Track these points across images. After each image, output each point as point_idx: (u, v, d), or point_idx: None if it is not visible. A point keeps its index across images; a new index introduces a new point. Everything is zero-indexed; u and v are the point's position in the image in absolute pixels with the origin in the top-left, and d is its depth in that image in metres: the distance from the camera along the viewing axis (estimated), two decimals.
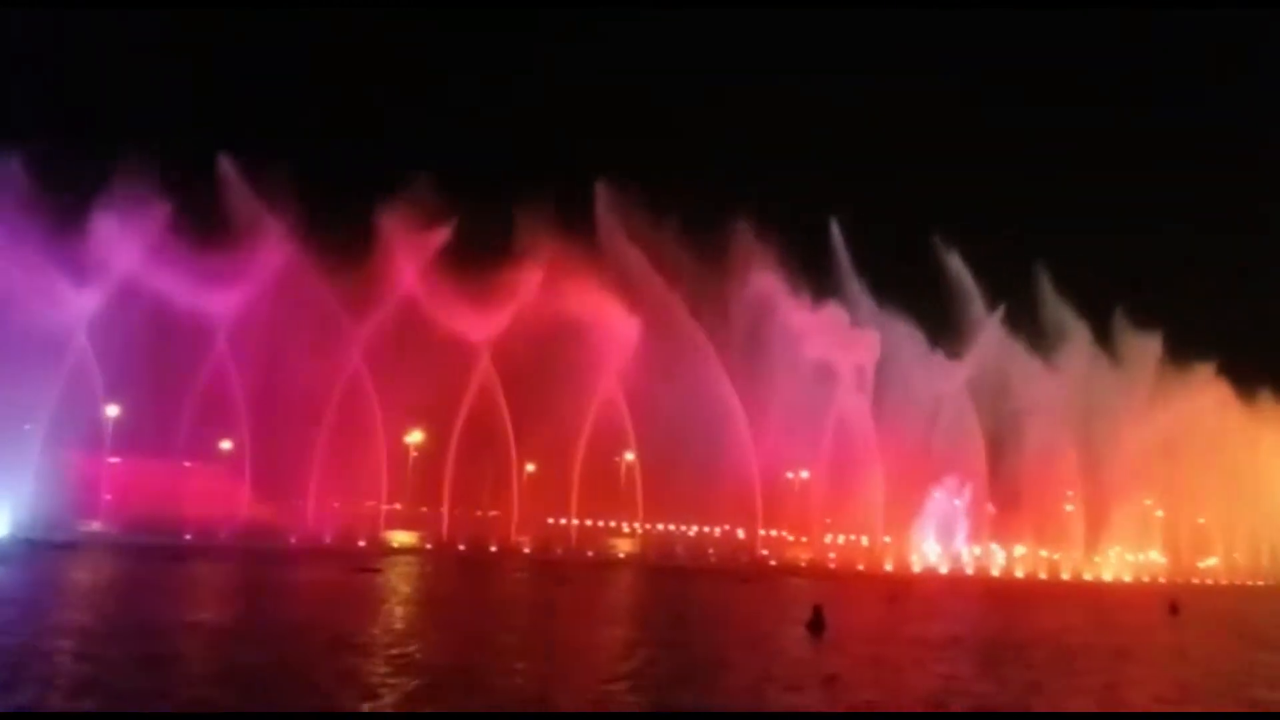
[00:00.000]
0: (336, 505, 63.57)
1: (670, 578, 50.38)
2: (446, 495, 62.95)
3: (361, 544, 59.13)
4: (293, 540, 57.99)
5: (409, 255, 61.34)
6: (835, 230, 70.07)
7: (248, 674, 15.99)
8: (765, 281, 67.62)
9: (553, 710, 14.63)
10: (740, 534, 71.83)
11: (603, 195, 64.87)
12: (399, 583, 38.61)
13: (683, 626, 28.19)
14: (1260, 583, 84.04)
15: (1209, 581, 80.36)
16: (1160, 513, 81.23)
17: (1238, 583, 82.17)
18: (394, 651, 18.74)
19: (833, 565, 67.65)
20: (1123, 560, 78.43)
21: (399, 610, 28.05)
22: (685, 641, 24.32)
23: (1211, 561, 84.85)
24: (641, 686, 16.77)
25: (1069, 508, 76.48)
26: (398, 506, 65.77)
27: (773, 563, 66.67)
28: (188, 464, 62.14)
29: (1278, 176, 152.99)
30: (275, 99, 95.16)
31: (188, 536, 55.36)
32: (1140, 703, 17.55)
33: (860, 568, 67.77)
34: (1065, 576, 73.46)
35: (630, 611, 33.32)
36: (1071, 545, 76.56)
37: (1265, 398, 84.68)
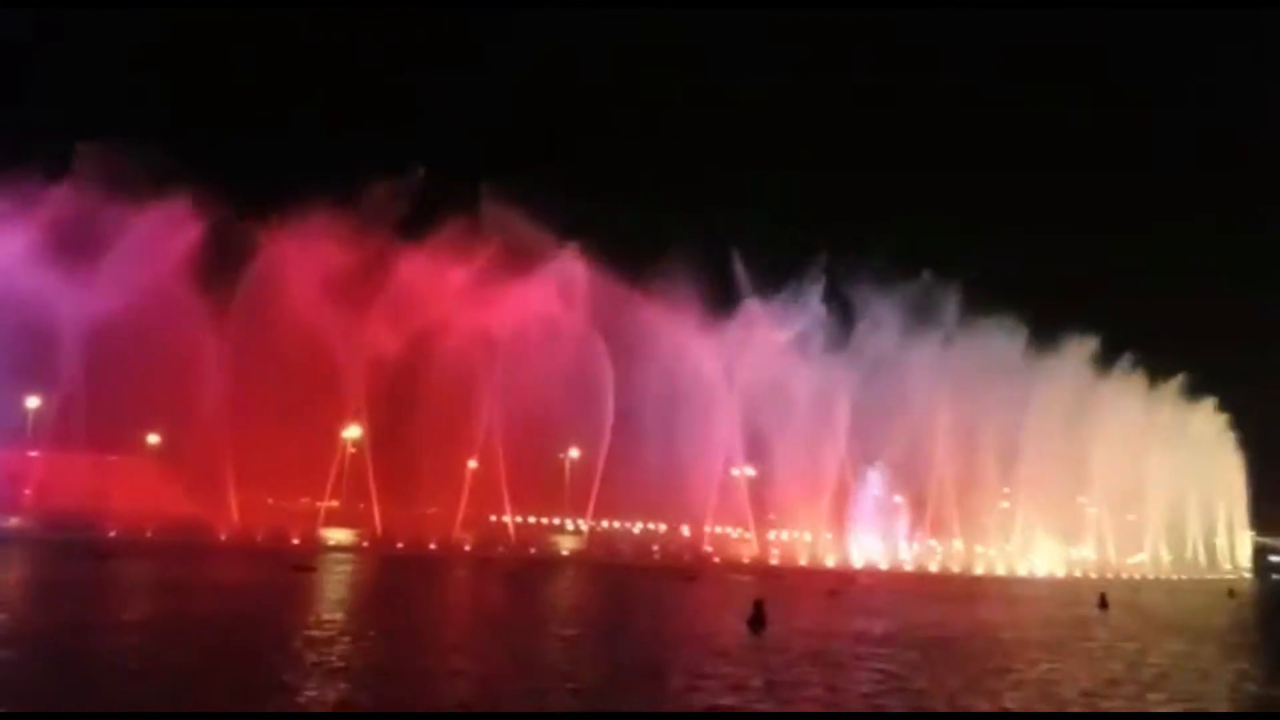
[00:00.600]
0: (270, 501, 61.89)
1: (614, 575, 50.12)
2: (376, 491, 61.44)
3: (295, 542, 57.59)
4: (223, 537, 56.26)
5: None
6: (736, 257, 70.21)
7: (165, 675, 15.32)
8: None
9: (498, 711, 14.23)
10: (685, 530, 71.92)
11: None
12: (334, 582, 37.64)
13: (624, 624, 27.94)
14: (1184, 577, 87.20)
15: (1137, 576, 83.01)
16: (1092, 510, 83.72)
17: (1164, 577, 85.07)
18: (322, 654, 18.07)
19: (775, 561, 68.12)
20: (1055, 556, 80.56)
21: (332, 610, 27.24)
22: (626, 639, 24.08)
23: (1140, 557, 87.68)
24: (580, 686, 16.48)
25: (1004, 504, 78.35)
26: (334, 503, 64.29)
27: (716, 559, 66.87)
28: (112, 458, 60.06)
29: (1209, 174, 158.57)
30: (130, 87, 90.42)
31: (112, 533, 53.29)
32: (1070, 697, 17.76)
33: (802, 563, 68.38)
34: (1000, 572, 75.13)
35: (572, 609, 32.97)
36: (1007, 541, 78.40)
37: (1193, 399, 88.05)
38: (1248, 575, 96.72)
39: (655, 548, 69.57)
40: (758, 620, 27.12)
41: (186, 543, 50.38)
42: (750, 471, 71.32)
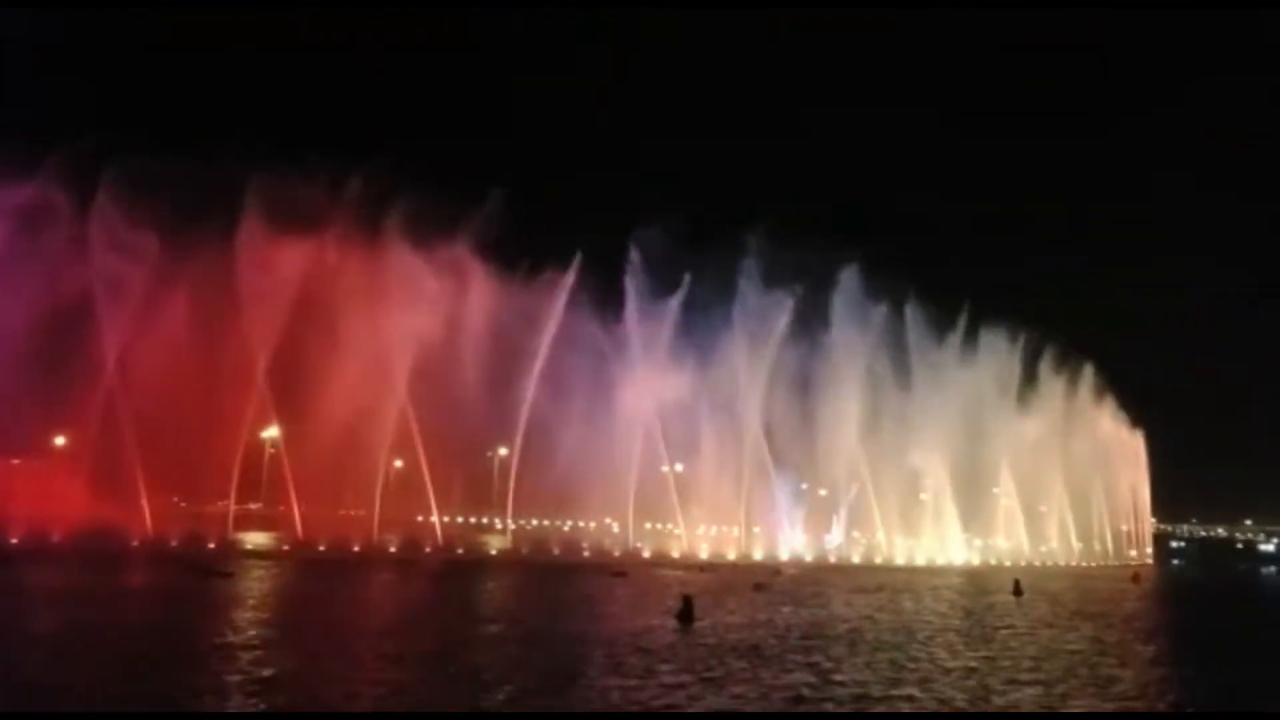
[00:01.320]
0: (183, 504, 59.62)
1: (543, 573, 49.84)
2: (296, 493, 59.70)
3: (211, 546, 55.65)
4: (135, 543, 53.98)
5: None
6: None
7: (75, 692, 14.63)
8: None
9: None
10: (615, 527, 71.93)
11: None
12: (251, 587, 36.43)
13: (553, 622, 27.80)
14: (1092, 564, 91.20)
15: (1048, 564, 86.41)
16: (1006, 501, 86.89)
17: (1073, 564, 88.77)
18: (238, 665, 17.44)
19: (705, 555, 68.73)
20: (972, 545, 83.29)
21: (246, 616, 26.30)
22: (553, 638, 23.96)
23: (1050, 546, 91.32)
24: (508, 689, 16.30)
25: (924, 496, 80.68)
26: (254, 506, 62.26)
27: (646, 555, 67.14)
28: (16, 461, 57.14)
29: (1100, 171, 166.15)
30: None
31: (14, 540, 50.65)
32: (997, 685, 18.23)
33: (731, 557, 69.15)
34: (920, 562, 77.29)
35: (499, 609, 32.65)
36: (927, 532, 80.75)
37: (1100, 395, 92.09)
38: (1150, 561, 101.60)
39: (584, 545, 69.50)
40: (686, 615, 27.38)
41: (96, 548, 48.14)
42: (679, 468, 71.80)
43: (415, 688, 16.44)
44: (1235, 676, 21.81)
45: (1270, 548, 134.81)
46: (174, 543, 55.02)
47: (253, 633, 22.36)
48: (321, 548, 58.36)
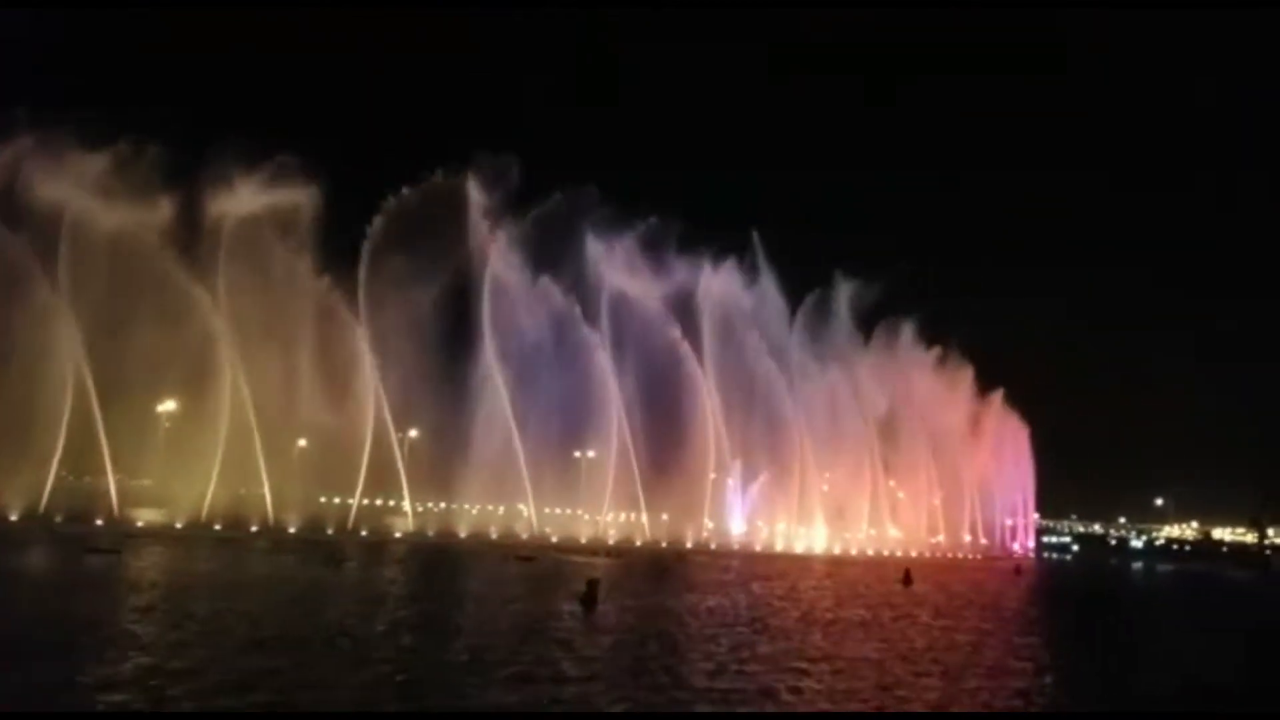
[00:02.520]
0: (69, 478, 56.85)
1: (449, 556, 49.56)
2: (197, 470, 57.71)
3: (99, 523, 53.33)
4: (13, 518, 51.33)
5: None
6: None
7: None
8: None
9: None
10: (524, 511, 71.83)
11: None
12: (138, 566, 35.16)
13: (454, 607, 27.83)
14: (979, 556, 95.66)
15: (937, 555, 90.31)
16: (901, 494, 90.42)
17: (962, 556, 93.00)
18: (107, 654, 16.83)
19: (612, 541, 69.37)
20: (868, 535, 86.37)
21: (129, 599, 25.22)
22: (453, 623, 24.01)
23: (939, 538, 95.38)
24: (407, 678, 16.29)
25: (824, 488, 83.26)
26: (147, 482, 59.79)
27: (554, 539, 67.34)
28: None
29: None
30: None
31: None
32: (905, 676, 18.92)
33: (638, 543, 69.98)
34: (818, 550, 79.77)
35: (402, 592, 32.41)
36: (826, 523, 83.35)
37: (988, 395, 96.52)
38: (1031, 555, 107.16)
39: (492, 528, 69.26)
40: (590, 599, 27.82)
41: None
42: (590, 454, 72.17)
43: (306, 676, 16.15)
44: (1106, 665, 23.38)
45: (1139, 544, 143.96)
46: (59, 518, 52.52)
47: (127, 616, 21.63)
48: (217, 527, 56.61)
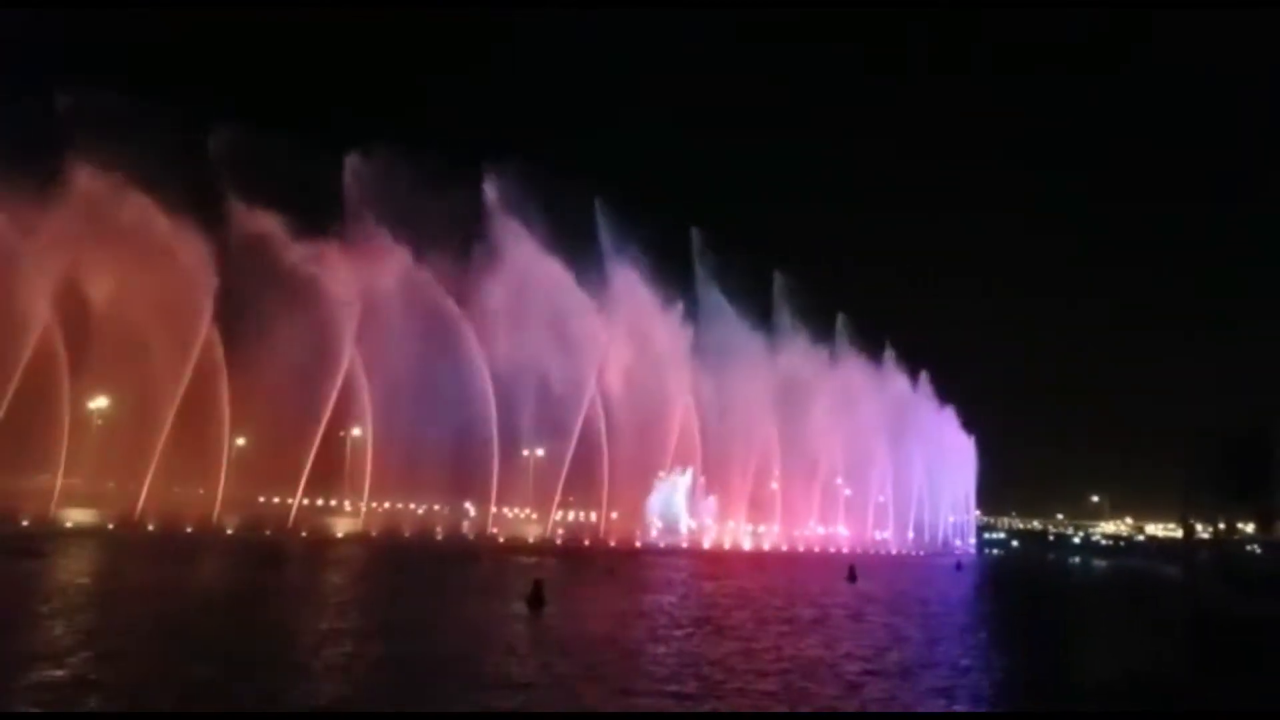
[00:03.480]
0: None
1: (393, 557, 48.67)
2: (127, 469, 55.83)
3: (25, 523, 51.25)
4: None
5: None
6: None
7: None
8: (521, 255, 67.32)
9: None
10: (470, 510, 71.06)
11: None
12: (65, 568, 33.82)
13: (397, 608, 27.26)
14: (922, 552, 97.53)
15: (882, 552, 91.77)
16: (848, 492, 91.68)
17: (906, 552, 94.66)
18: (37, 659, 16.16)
19: (560, 541, 68.97)
20: (814, 533, 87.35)
21: (50, 604, 24.08)
22: (395, 625, 23.49)
23: (885, 534, 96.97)
24: (340, 688, 15.87)
25: (774, 485, 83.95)
26: (77, 481, 57.65)
27: (501, 539, 66.68)
28: None
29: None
30: None
31: None
32: (855, 674, 18.78)
33: (586, 543, 69.67)
34: (766, 547, 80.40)
35: (342, 594, 31.67)
36: (773, 519, 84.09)
37: (935, 394, 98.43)
38: (972, 550, 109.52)
39: (438, 528, 68.32)
40: (536, 600, 27.45)
41: None
42: (539, 453, 71.63)
43: (233, 685, 15.65)
44: (1052, 657, 23.86)
45: (1077, 540, 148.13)
46: None
47: (49, 623, 20.71)
48: (150, 527, 54.83)
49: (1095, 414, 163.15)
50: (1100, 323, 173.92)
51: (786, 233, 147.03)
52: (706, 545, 77.37)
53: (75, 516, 54.73)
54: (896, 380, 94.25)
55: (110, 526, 54.17)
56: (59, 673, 15.23)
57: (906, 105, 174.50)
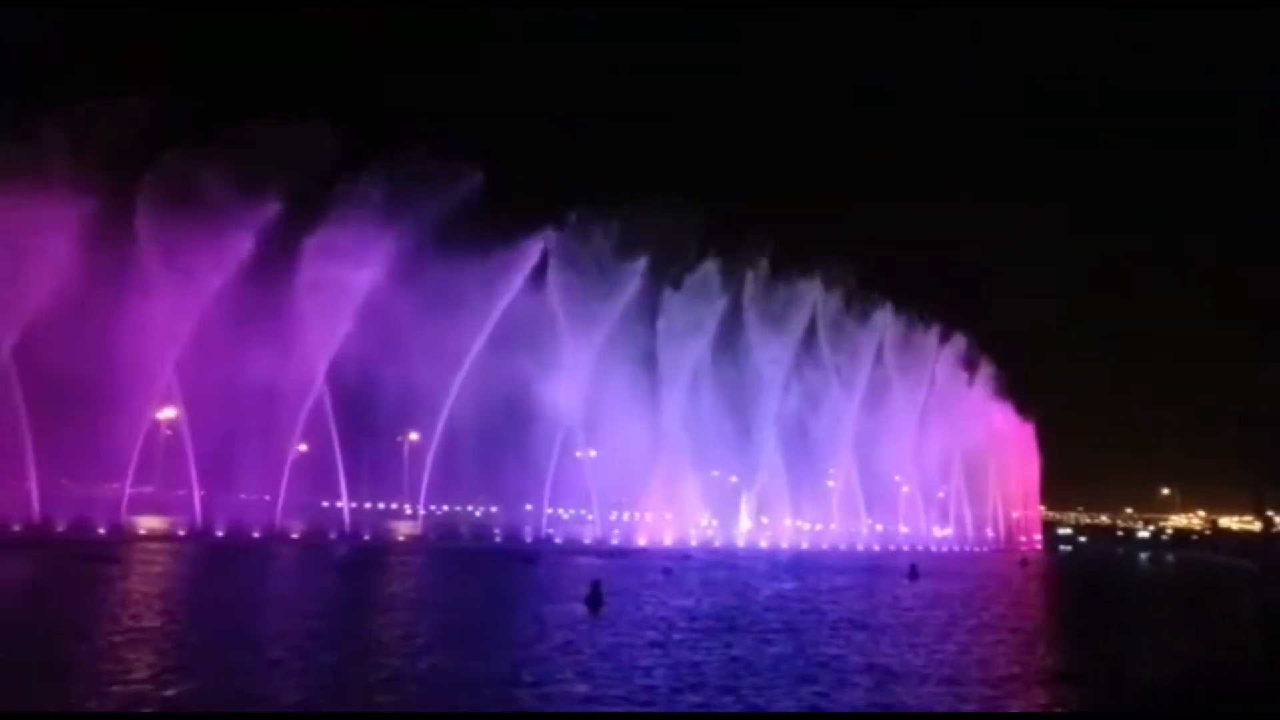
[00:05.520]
0: (71, 486, 56.58)
1: (453, 560, 49.28)
2: (196, 476, 57.43)
3: (100, 531, 53.10)
4: (16, 528, 51.06)
5: None
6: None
7: None
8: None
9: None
10: (529, 509, 71.55)
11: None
12: (137, 574, 34.91)
13: (461, 611, 27.58)
14: (985, 549, 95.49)
15: (944, 549, 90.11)
16: (906, 488, 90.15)
17: (968, 549, 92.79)
18: (114, 664, 16.38)
19: (615, 541, 69.12)
20: (873, 530, 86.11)
21: (126, 609, 24.59)
22: (461, 627, 23.79)
23: (947, 531, 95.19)
24: (410, 692, 16.03)
25: (830, 484, 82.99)
26: (148, 489, 59.53)
27: (558, 541, 67.09)
28: None
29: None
30: None
31: None
32: (897, 682, 18.53)
33: (641, 543, 69.71)
34: (824, 546, 79.46)
35: (407, 598, 32.15)
36: (831, 517, 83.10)
37: (993, 387, 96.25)
38: (1038, 547, 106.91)
39: (496, 530, 69.02)
40: (595, 600, 27.53)
41: None
42: (592, 453, 71.90)
43: (315, 683, 15.90)
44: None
45: (1146, 534, 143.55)
46: (60, 527, 52.30)
47: (123, 626, 21.19)
48: (219, 533, 56.39)
49: (1165, 405, 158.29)
50: (1170, 314, 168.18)
51: (831, 222, 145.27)
52: (763, 545, 76.85)
53: (147, 523, 56.51)
54: (957, 374, 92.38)
55: (180, 533, 55.81)
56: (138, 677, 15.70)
57: (971, 96, 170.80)
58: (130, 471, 56.08)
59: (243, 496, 59.94)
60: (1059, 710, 16.67)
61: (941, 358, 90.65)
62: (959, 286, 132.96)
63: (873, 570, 53.84)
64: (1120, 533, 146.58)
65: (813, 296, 79.67)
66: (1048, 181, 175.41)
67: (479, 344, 63.45)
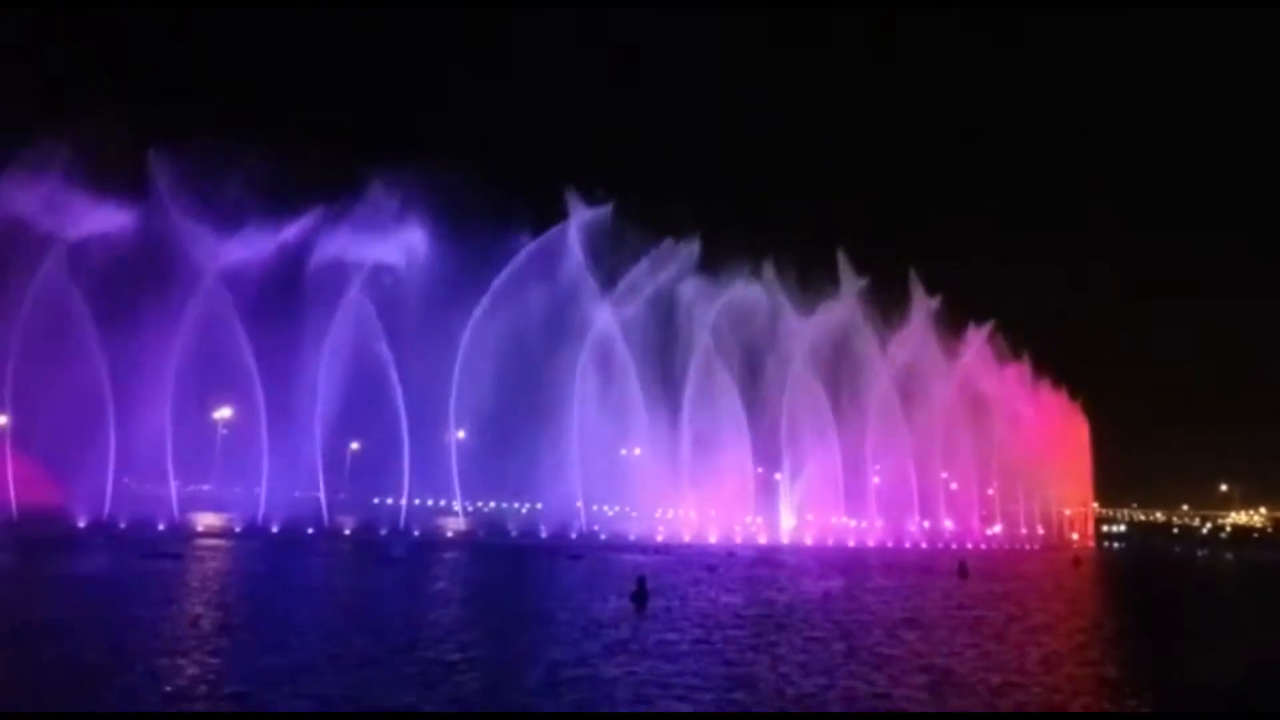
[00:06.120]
0: (132, 485, 58.51)
1: (500, 555, 49.94)
2: (250, 474, 58.98)
3: (161, 527, 54.80)
4: (81, 524, 52.94)
5: None
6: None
7: None
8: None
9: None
10: (580, 505, 72.17)
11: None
12: (197, 569, 36.00)
13: (508, 605, 28.02)
14: (1036, 547, 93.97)
15: (993, 547, 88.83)
16: (954, 485, 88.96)
17: (1018, 547, 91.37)
18: (182, 662, 16.67)
19: (660, 538, 69.39)
20: (920, 527, 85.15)
21: (185, 606, 24.98)
22: (508, 620, 24.18)
23: (996, 529, 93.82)
24: (456, 688, 16.40)
25: (875, 480, 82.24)
26: (206, 487, 61.31)
27: (603, 537, 67.56)
28: None
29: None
30: None
31: None
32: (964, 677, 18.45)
33: (686, 539, 69.89)
34: (870, 544, 78.83)
35: (456, 592, 32.73)
36: (876, 515, 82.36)
37: (1042, 382, 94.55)
38: (1090, 544, 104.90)
39: (541, 527, 69.75)
40: (640, 596, 27.76)
41: (39, 532, 47.16)
42: (636, 452, 72.22)
43: (364, 677, 16.33)
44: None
45: (1204, 531, 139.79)
46: (123, 524, 54.08)
47: (186, 621, 21.87)
48: (275, 529, 57.81)
49: (1222, 400, 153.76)
50: (1227, 310, 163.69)
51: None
52: (808, 542, 76.49)
53: (205, 520, 58.18)
54: (1007, 368, 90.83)
55: (237, 529, 57.32)
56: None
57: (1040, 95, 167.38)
58: (185, 470, 57.93)
59: (296, 494, 61.38)
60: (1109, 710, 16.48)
61: (994, 353, 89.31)
62: (1015, 281, 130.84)
63: (921, 569, 53.29)
64: (1176, 530, 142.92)
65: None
66: (1107, 179, 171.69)
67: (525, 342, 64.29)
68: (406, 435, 61.90)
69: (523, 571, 41.49)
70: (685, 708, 14.68)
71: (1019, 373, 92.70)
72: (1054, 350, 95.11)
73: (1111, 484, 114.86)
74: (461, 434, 67.39)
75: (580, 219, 67.98)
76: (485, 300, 64.52)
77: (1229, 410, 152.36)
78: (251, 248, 57.96)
